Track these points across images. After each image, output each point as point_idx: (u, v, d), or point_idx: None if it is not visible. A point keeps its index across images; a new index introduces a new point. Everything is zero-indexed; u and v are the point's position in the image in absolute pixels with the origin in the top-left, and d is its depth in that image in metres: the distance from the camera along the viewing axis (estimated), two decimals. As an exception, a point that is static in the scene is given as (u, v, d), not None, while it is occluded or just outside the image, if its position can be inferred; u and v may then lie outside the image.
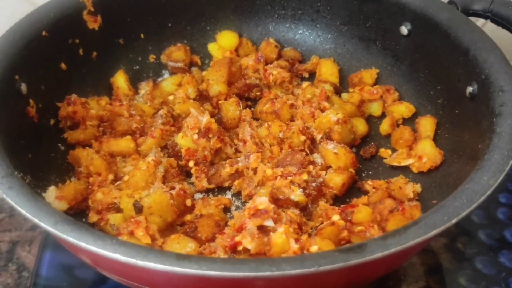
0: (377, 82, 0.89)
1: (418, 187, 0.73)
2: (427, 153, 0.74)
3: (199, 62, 0.93)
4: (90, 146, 0.76)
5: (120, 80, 0.85)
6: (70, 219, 0.48)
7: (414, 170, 0.75)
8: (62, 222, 0.46)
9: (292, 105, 0.82)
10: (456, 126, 0.73)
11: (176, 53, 0.90)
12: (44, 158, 0.69)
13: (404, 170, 0.77)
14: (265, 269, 0.42)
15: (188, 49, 0.91)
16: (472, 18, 0.76)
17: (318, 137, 0.78)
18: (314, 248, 0.57)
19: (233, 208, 0.74)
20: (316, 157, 0.76)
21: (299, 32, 0.95)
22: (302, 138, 0.76)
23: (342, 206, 0.71)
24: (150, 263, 0.43)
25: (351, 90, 0.89)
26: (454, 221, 0.46)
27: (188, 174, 0.77)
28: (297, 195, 0.68)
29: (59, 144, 0.74)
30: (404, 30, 0.82)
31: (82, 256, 0.56)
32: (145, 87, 0.86)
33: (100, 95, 0.83)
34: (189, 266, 0.43)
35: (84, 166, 0.72)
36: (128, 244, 0.45)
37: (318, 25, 0.93)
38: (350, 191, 0.75)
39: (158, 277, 0.49)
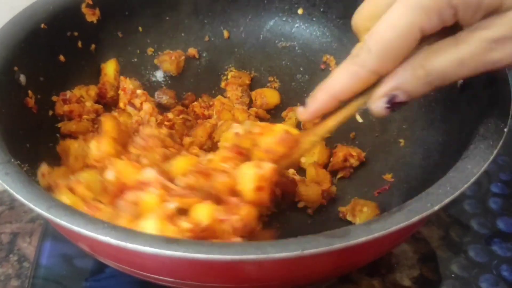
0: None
1: None
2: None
3: (196, 55, 0.94)
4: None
5: (110, 68, 0.85)
6: (64, 205, 0.49)
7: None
8: (56, 207, 0.48)
9: None
10: (447, 118, 0.74)
11: (166, 64, 0.91)
12: (42, 148, 0.71)
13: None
14: (250, 252, 0.44)
15: (181, 60, 0.92)
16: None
17: None
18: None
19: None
20: None
21: (296, 26, 0.95)
22: None
23: None
24: (140, 246, 0.44)
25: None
26: (436, 208, 0.48)
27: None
28: None
29: (57, 135, 0.76)
30: (398, 23, 0.83)
31: (78, 242, 0.57)
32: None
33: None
34: (177, 249, 0.44)
35: (72, 156, 0.71)
36: (119, 228, 0.46)
37: (314, 19, 0.94)
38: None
39: (150, 261, 0.51)
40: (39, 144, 0.70)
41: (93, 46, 0.84)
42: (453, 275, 0.73)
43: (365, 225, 0.46)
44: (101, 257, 0.59)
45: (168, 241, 0.45)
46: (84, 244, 0.56)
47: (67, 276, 0.72)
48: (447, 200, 0.48)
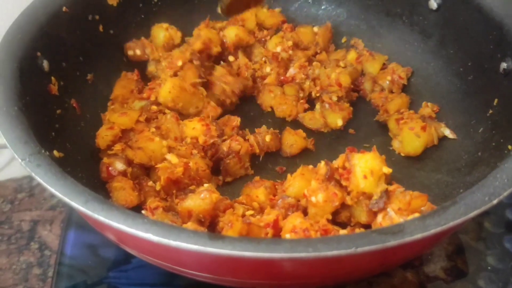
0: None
1: None
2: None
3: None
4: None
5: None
6: (100, 198, 0.47)
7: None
8: (93, 201, 0.45)
9: None
10: (488, 104, 0.71)
11: None
12: (66, 136, 0.68)
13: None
14: (300, 250, 0.41)
15: None
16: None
17: None
18: None
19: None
20: None
21: (322, 7, 0.92)
22: None
23: None
24: (183, 243, 0.42)
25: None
26: (495, 201, 0.45)
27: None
28: None
29: (82, 123, 0.73)
30: (433, 4, 0.80)
31: (109, 234, 0.55)
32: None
33: (120, 72, 0.81)
34: (223, 246, 0.42)
35: None
36: (160, 223, 0.44)
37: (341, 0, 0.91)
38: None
39: (188, 257, 0.48)
40: (64, 132, 0.67)
41: (114, 30, 0.81)
42: (489, 268, 0.70)
43: (419, 220, 0.44)
44: (133, 250, 0.57)
45: (212, 238, 0.42)
46: (116, 238, 0.54)
47: (92, 266, 0.70)
48: (506, 193, 0.45)
